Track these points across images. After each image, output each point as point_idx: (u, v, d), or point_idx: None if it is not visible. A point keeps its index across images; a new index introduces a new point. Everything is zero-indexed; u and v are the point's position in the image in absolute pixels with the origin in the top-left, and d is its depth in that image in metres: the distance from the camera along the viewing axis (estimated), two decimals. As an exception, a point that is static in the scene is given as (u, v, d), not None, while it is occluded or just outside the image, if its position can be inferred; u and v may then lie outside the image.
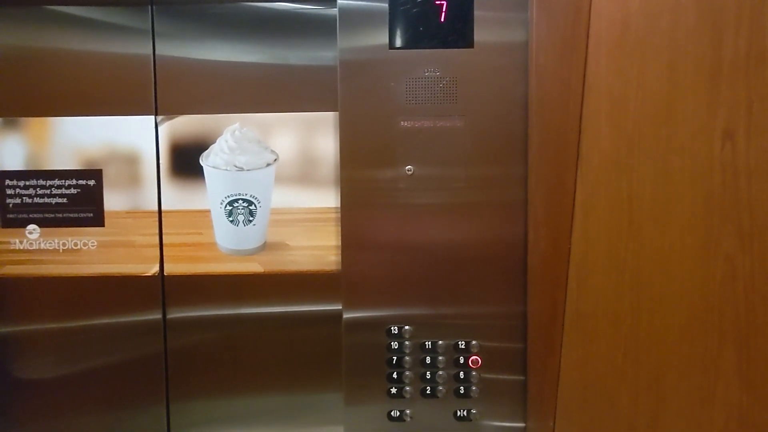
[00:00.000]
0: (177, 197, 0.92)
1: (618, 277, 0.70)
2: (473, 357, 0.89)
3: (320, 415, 0.97)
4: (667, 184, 0.66)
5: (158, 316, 0.95)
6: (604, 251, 0.72)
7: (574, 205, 0.74)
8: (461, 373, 0.90)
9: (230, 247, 0.92)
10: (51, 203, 0.94)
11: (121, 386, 0.99)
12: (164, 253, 0.94)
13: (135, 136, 0.91)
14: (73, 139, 0.92)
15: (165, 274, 0.95)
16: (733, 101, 0.60)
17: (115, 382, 0.99)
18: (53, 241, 0.95)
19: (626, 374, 0.69)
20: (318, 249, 0.92)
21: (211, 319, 0.96)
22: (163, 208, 0.93)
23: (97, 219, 0.94)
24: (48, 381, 1.01)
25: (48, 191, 0.93)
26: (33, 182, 0.93)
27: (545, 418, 0.81)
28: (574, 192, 0.74)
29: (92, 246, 0.95)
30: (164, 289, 0.95)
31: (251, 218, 0.91)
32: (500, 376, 0.90)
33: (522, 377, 0.89)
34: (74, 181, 0.93)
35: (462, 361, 0.90)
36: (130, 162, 0.92)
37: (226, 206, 0.91)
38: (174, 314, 0.96)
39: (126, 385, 0.99)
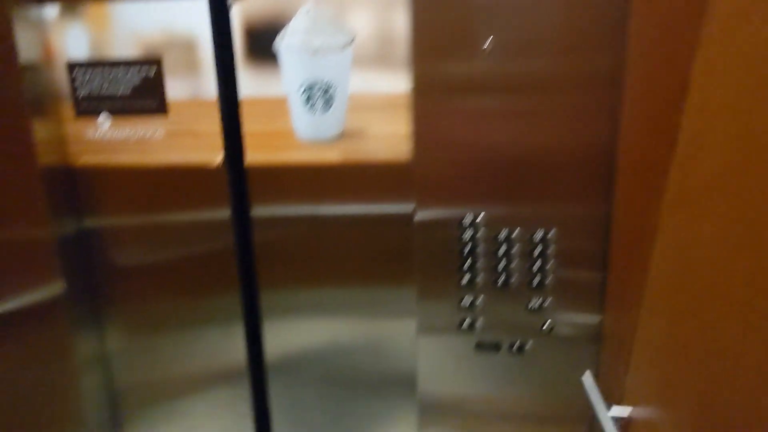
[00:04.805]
0: (253, 84, 0.89)
1: (742, 146, 0.59)
2: (549, 249, 0.88)
3: (395, 307, 0.99)
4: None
5: (226, 206, 0.96)
6: (726, 117, 0.62)
7: (687, 77, 0.65)
8: (536, 265, 0.90)
9: (308, 135, 0.90)
10: (116, 92, 0.92)
11: (197, 273, 1.03)
12: (242, 143, 0.93)
13: (196, 21, 0.87)
14: (134, 25, 0.88)
15: (244, 164, 0.94)
16: None
17: (191, 269, 1.03)
18: (123, 130, 0.95)
19: (739, 258, 0.60)
20: (397, 137, 0.88)
21: (292, 212, 0.96)
22: (238, 95, 0.90)
23: (161, 107, 0.93)
24: (129, 269, 1.05)
25: (113, 80, 0.92)
26: (99, 71, 0.91)
27: (626, 311, 0.80)
28: (688, 68, 0.66)
29: (159, 136, 0.94)
30: (243, 179, 0.95)
31: (329, 104, 0.88)
32: (576, 270, 0.89)
33: (600, 271, 0.88)
34: (137, 70, 0.91)
35: (537, 252, 0.89)
36: (190, 49, 0.88)
37: (303, 92, 0.87)
38: (255, 206, 0.96)
39: (201, 272, 1.02)
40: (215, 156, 0.94)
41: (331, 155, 0.90)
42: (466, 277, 0.92)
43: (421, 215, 0.90)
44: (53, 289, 1.01)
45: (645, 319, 0.74)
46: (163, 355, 1.09)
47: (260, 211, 0.97)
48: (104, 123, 0.96)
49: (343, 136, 0.89)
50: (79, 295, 1.04)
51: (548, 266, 0.89)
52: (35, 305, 1.03)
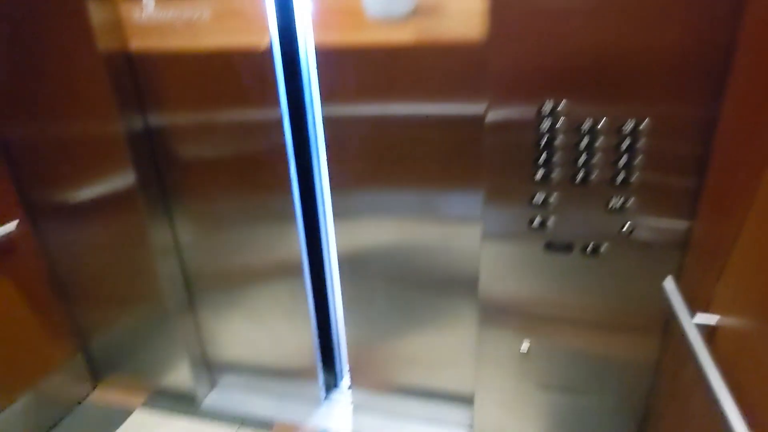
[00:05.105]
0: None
1: None
2: (639, 143, 0.78)
3: (462, 209, 0.94)
4: None
5: (274, 89, 0.90)
6: None
7: None
8: (621, 160, 0.80)
9: (379, 11, 0.80)
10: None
11: (255, 167, 1.00)
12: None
13: None
14: None
15: (312, 44, 0.86)
16: None
17: (249, 163, 1.00)
18: (168, 12, 0.89)
19: None
20: (473, 13, 0.77)
21: (360, 112, 0.90)
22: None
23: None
24: (192, 163, 1.04)
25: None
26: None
27: (726, 217, 0.71)
28: None
29: (205, 17, 0.88)
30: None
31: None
32: (666, 170, 0.79)
33: (693, 174, 0.78)
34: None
35: (625, 146, 0.79)
36: None
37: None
38: (324, 106, 0.90)
39: (260, 167, 1.00)
40: (264, 38, 0.86)
41: (403, 35, 0.81)
42: (540, 173, 0.84)
43: (494, 113, 0.81)
44: (125, 180, 1.02)
45: (753, 225, 0.65)
46: (227, 245, 1.11)
47: (328, 110, 0.91)
48: (149, 3, 0.89)
49: (416, 12, 0.79)
50: (149, 187, 1.05)
51: (635, 162, 0.79)
52: (111, 194, 1.05)
